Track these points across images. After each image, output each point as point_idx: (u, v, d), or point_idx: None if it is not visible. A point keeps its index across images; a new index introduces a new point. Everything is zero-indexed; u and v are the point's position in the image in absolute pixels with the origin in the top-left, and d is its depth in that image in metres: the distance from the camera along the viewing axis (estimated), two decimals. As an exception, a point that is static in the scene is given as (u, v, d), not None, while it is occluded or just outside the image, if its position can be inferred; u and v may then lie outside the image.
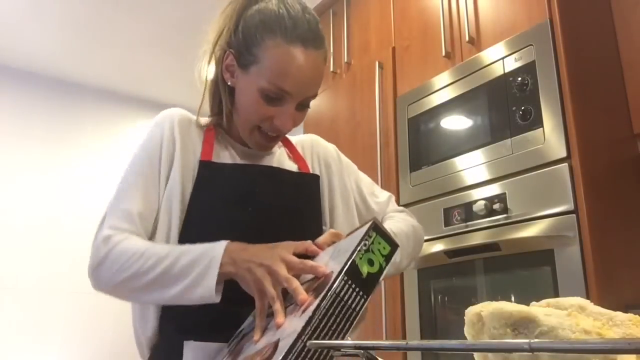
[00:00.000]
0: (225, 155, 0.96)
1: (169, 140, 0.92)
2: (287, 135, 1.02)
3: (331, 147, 1.11)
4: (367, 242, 0.66)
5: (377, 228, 0.68)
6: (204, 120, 0.99)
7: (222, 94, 0.95)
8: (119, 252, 0.82)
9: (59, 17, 2.79)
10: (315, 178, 1.02)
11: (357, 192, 1.07)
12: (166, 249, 0.81)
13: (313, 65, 0.87)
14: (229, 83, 0.93)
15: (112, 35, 2.98)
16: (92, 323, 3.18)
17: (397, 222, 1.02)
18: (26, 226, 3.14)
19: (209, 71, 0.97)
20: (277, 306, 0.70)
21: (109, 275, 0.82)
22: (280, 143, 1.05)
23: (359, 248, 0.64)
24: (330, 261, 0.70)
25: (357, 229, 0.73)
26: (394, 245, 0.69)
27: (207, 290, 0.75)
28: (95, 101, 3.58)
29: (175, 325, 0.85)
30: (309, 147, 1.08)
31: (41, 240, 3.15)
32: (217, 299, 0.76)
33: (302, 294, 0.67)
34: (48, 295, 3.11)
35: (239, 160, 0.97)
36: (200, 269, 0.76)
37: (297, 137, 1.10)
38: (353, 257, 0.63)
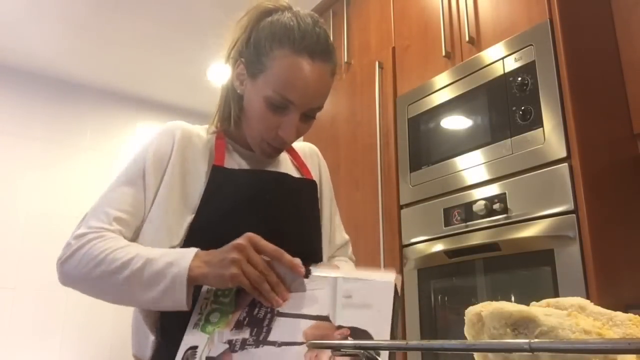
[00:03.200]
0: (234, 161, 0.98)
1: (163, 153, 0.93)
2: None
3: (327, 167, 1.15)
4: (395, 307, 0.67)
5: (396, 290, 0.69)
6: (212, 128, 1.00)
7: (231, 101, 0.97)
8: (89, 249, 0.82)
9: (59, 17, 2.78)
10: (315, 185, 1.05)
11: (332, 218, 1.11)
12: (135, 251, 0.81)
13: (318, 77, 0.88)
14: (238, 91, 0.95)
15: (112, 35, 2.98)
16: (92, 323, 3.18)
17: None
18: (26, 226, 3.14)
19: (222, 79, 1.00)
20: (271, 284, 0.74)
21: (74, 271, 0.83)
22: None
23: (394, 315, 0.66)
24: (342, 309, 0.69)
25: (362, 275, 0.73)
26: (400, 299, 0.71)
27: (177, 302, 0.77)
28: (95, 101, 3.57)
29: (178, 326, 0.85)
30: (309, 155, 1.11)
31: (41, 240, 3.15)
32: (187, 307, 0.78)
33: (290, 259, 0.74)
34: (48, 295, 3.11)
35: (245, 166, 0.99)
36: (169, 279, 0.77)
37: (298, 144, 1.12)
38: (393, 327, 0.65)
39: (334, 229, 1.10)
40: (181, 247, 0.87)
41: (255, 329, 0.72)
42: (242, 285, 0.75)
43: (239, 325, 0.74)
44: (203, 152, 0.95)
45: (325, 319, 0.69)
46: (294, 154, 1.09)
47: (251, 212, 0.89)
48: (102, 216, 0.87)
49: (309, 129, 0.96)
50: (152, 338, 0.89)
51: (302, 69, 0.86)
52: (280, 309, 0.73)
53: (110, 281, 0.80)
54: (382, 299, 0.67)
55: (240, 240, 0.76)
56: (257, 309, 0.74)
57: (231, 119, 0.98)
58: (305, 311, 0.72)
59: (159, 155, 0.92)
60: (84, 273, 0.81)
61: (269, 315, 0.73)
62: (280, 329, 0.70)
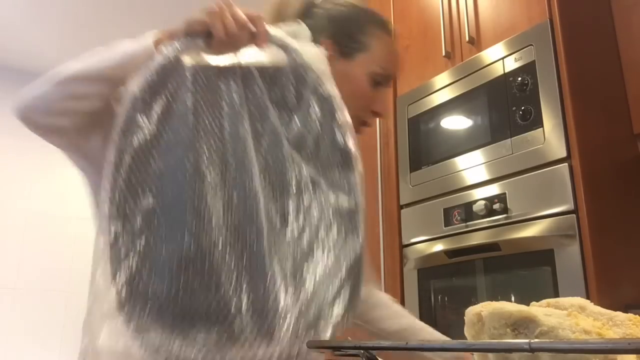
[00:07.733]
0: None
1: None
2: None
3: None
4: None
5: None
6: None
7: None
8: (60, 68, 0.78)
9: (59, 17, 2.79)
10: None
11: None
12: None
13: None
14: None
15: (112, 35, 2.97)
16: (92, 323, 3.19)
17: None
18: (26, 226, 3.14)
19: None
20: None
21: (41, 87, 0.76)
22: None
23: None
24: None
25: None
26: None
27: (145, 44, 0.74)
28: (95, 101, 3.58)
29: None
30: None
31: (41, 240, 3.15)
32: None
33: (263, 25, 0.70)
34: (48, 295, 3.11)
35: None
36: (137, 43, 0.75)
37: None
38: None
39: None
40: None
41: None
42: (215, 29, 0.70)
43: None
44: None
45: None
46: None
47: None
48: None
49: None
50: None
51: (397, 49, 1.00)
52: None
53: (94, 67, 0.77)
54: None
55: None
56: None
57: None
58: None
59: None
60: (55, 79, 0.76)
61: None
62: None
